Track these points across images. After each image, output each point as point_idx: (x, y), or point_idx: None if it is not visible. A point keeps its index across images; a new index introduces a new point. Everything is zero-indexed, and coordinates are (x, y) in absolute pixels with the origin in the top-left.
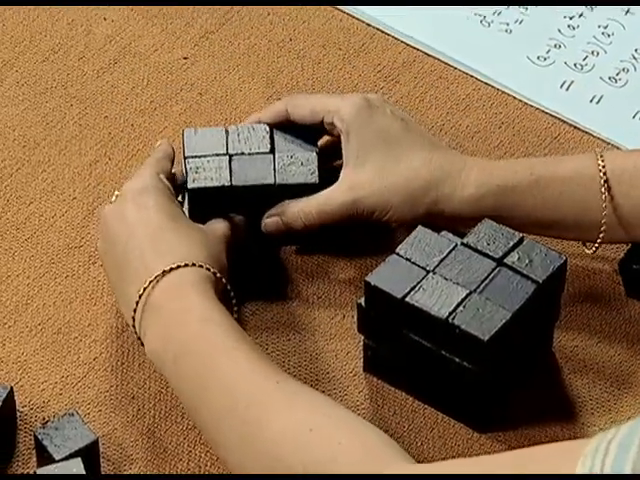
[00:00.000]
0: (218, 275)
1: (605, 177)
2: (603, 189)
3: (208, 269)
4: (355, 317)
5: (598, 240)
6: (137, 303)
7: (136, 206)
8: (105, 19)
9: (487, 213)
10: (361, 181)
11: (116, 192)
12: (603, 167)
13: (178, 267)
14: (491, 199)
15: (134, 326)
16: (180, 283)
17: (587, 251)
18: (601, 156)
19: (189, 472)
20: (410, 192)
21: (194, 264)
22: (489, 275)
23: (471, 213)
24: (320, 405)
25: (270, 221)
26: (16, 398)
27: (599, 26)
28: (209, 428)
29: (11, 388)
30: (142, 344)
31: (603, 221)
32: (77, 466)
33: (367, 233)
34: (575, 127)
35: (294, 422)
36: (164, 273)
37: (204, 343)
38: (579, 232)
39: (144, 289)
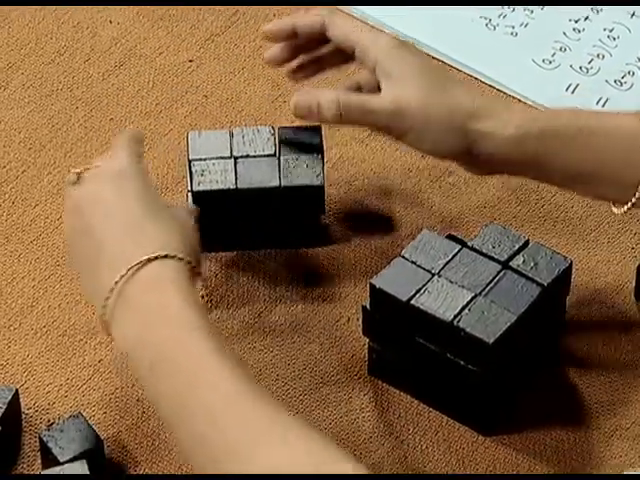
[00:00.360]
0: (197, 269)
1: None
2: None
3: (189, 262)
4: (360, 320)
5: (632, 200)
6: (112, 291)
7: (116, 189)
8: (111, 22)
9: (527, 157)
10: (406, 97)
11: (75, 170)
12: None
13: (157, 258)
14: (532, 142)
15: (104, 315)
16: (159, 277)
17: (616, 211)
18: None
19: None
20: (452, 123)
21: (174, 255)
22: (494, 278)
23: (510, 155)
24: (316, 444)
25: (303, 100)
26: (21, 400)
27: (605, 29)
28: (187, 450)
29: (16, 390)
30: (109, 334)
31: None
32: (82, 468)
33: (372, 236)
34: None
35: (289, 461)
36: (142, 263)
37: (183, 352)
38: (615, 189)
39: (121, 276)
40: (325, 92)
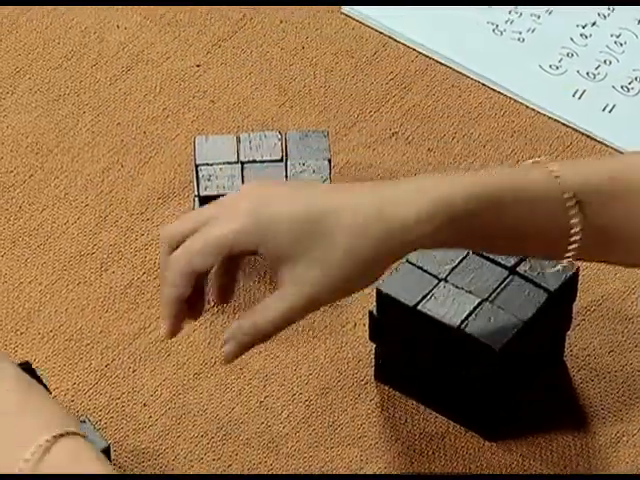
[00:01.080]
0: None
1: (572, 193)
2: (569, 205)
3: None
4: (367, 325)
5: (568, 256)
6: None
7: None
8: (118, 27)
9: (448, 243)
10: (306, 278)
11: None
12: (565, 183)
13: (62, 435)
14: (447, 232)
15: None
16: (77, 455)
17: (549, 271)
18: (557, 169)
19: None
20: (360, 267)
21: (75, 432)
22: (501, 284)
23: (429, 247)
24: None
25: (231, 350)
26: None
27: (612, 35)
28: None
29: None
30: None
31: (573, 232)
32: None
33: None
34: (587, 136)
35: None
36: (50, 440)
37: None
38: (546, 250)
39: (32, 454)
40: (243, 326)
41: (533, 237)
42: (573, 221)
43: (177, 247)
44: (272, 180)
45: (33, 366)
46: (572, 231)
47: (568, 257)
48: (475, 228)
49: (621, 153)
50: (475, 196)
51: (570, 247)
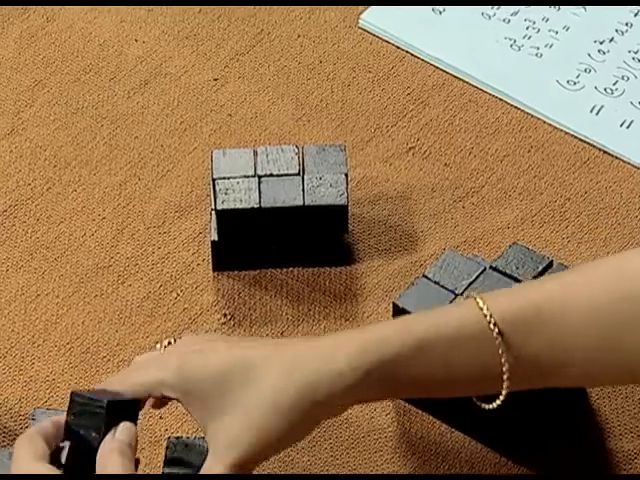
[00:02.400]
0: None
1: (497, 329)
2: (498, 343)
3: None
4: None
5: (502, 392)
6: None
7: None
8: (136, 40)
9: (376, 392)
10: (234, 436)
11: None
12: (491, 318)
13: None
14: (374, 381)
15: None
16: None
17: (486, 407)
18: (483, 303)
19: None
20: (285, 420)
21: None
22: None
23: (358, 399)
24: None
25: None
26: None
27: (629, 51)
28: None
29: None
30: None
31: (505, 370)
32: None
33: (395, 255)
34: (605, 152)
35: None
36: None
37: None
38: (479, 389)
39: None
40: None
41: (465, 378)
42: (502, 359)
43: None
44: (203, 336)
45: (50, 378)
46: (503, 369)
47: (504, 392)
48: (404, 375)
49: (638, 169)
50: (402, 344)
51: (504, 383)
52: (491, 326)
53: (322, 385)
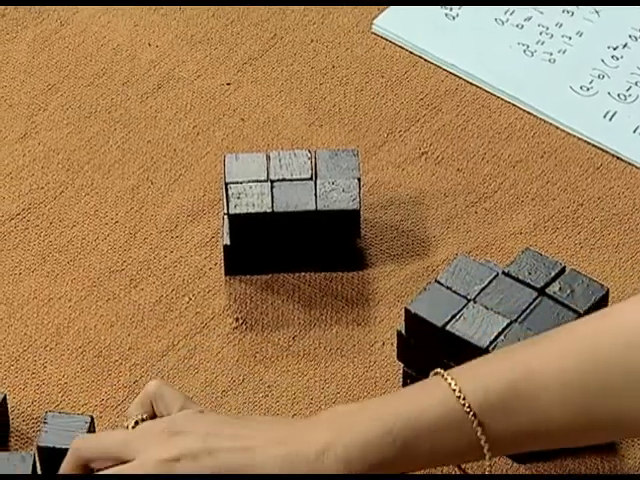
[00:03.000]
0: None
1: (476, 419)
2: (477, 430)
3: None
4: (395, 344)
5: (487, 461)
6: None
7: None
8: (150, 44)
9: None
10: None
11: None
12: (469, 407)
13: None
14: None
15: None
16: None
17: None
18: (459, 391)
19: None
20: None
21: None
22: (530, 305)
23: None
24: None
25: None
26: None
27: None
28: None
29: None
30: None
31: (486, 451)
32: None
33: (407, 260)
34: (618, 157)
35: None
36: None
37: None
38: (465, 461)
39: None
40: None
41: (449, 458)
42: (481, 441)
43: (82, 468)
44: (187, 417)
45: (62, 382)
46: (484, 450)
47: (488, 461)
48: (389, 469)
49: None
50: (384, 449)
51: (486, 455)
52: (470, 417)
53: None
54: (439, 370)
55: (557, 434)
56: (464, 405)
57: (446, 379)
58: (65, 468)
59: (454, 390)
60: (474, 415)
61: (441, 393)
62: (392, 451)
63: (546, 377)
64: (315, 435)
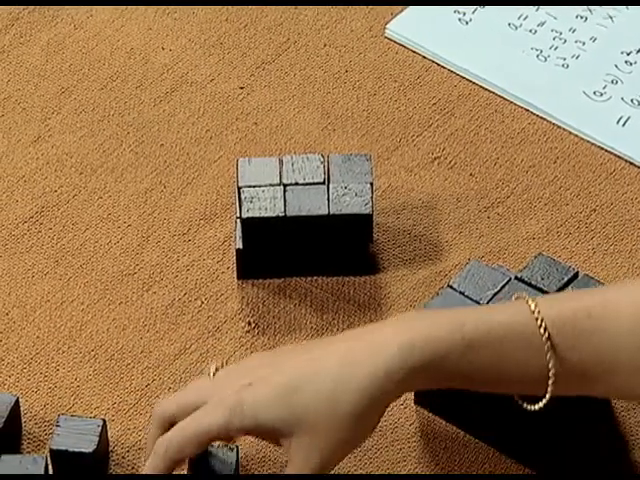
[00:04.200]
0: None
1: (547, 333)
2: (546, 347)
3: None
4: None
5: (546, 395)
6: None
7: None
8: (163, 48)
9: (416, 388)
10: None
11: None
12: (541, 321)
13: None
14: (421, 379)
15: None
16: None
17: (530, 407)
18: (534, 305)
19: None
20: (349, 425)
21: None
22: None
23: (402, 393)
24: None
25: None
26: None
27: None
28: None
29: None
30: None
31: (551, 374)
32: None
33: (420, 265)
34: (631, 163)
35: None
36: None
37: None
38: (525, 388)
39: None
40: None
41: (512, 377)
42: (550, 363)
43: (169, 426)
44: (254, 358)
45: (75, 385)
46: (549, 373)
47: (548, 395)
48: (451, 371)
49: None
50: (452, 343)
51: (548, 387)
52: (541, 330)
53: (376, 388)
54: (520, 293)
55: (623, 374)
56: (539, 325)
57: (524, 298)
58: (152, 433)
59: (532, 310)
60: (545, 328)
61: (517, 305)
62: (458, 349)
63: (619, 306)
64: (376, 327)
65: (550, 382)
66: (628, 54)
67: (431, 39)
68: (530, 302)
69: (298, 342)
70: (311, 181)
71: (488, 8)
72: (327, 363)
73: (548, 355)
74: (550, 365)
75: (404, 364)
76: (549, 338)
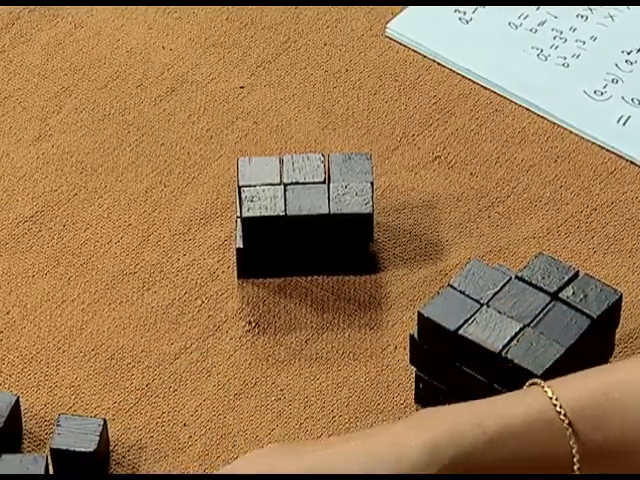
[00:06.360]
0: None
1: (567, 419)
2: (568, 433)
3: None
4: (407, 348)
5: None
6: None
7: None
8: (163, 48)
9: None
10: None
11: None
12: (560, 407)
13: None
14: (442, 470)
15: None
16: None
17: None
18: (552, 392)
19: None
20: None
21: None
22: (543, 309)
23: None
24: None
25: None
26: None
27: None
28: None
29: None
30: None
31: (575, 460)
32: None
33: (420, 264)
34: (631, 162)
35: None
36: None
37: None
38: (552, 471)
39: None
40: None
41: (535, 467)
42: (573, 449)
43: None
44: (270, 452)
45: (75, 384)
46: (574, 459)
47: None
48: (475, 467)
49: None
50: (475, 440)
51: (574, 471)
52: (561, 417)
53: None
54: (534, 380)
55: None
56: (558, 412)
57: (539, 384)
58: None
59: (546, 392)
60: (565, 414)
61: (533, 395)
62: (481, 444)
63: (635, 385)
64: (396, 428)
65: (575, 469)
66: (629, 53)
67: (431, 38)
68: (547, 390)
69: (298, 341)
70: (311, 180)
71: (488, 7)
72: (347, 459)
73: (571, 441)
74: (574, 451)
75: (427, 467)
76: (570, 424)
